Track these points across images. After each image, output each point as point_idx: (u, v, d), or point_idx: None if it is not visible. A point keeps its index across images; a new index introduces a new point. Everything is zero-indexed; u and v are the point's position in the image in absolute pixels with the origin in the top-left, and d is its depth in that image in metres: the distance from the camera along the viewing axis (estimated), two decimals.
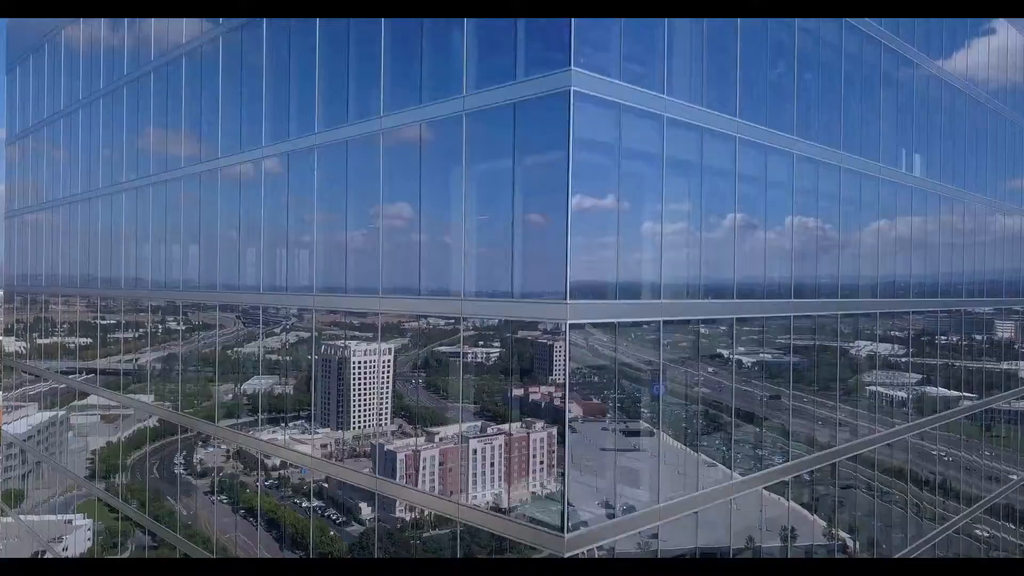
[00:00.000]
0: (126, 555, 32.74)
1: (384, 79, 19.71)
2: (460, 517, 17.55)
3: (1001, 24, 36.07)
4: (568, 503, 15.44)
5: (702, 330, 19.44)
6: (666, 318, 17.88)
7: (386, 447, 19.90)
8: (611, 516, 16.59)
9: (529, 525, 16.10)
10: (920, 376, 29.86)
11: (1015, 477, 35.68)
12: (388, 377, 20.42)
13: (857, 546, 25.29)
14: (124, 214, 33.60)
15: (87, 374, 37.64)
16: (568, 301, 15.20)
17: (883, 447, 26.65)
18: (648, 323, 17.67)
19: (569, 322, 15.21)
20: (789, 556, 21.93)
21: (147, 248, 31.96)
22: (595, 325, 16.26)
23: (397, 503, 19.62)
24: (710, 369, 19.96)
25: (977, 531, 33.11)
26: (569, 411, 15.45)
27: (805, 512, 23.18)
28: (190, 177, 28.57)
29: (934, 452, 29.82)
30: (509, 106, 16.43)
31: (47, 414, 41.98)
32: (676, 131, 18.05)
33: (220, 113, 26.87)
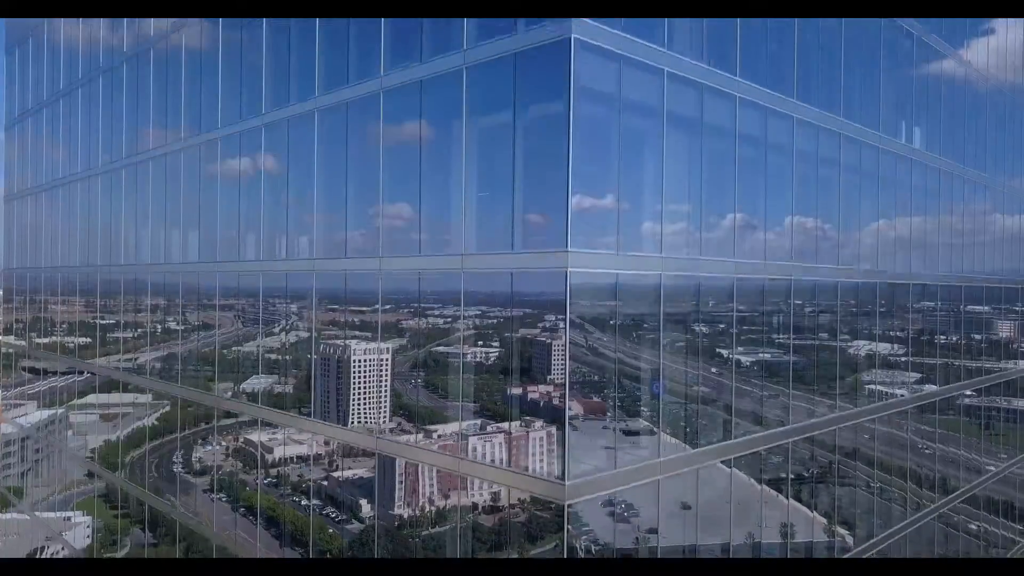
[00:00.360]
0: (126, 550, 32.72)
1: (384, 39, 19.62)
2: (462, 471, 17.58)
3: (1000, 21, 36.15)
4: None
5: (701, 328, 19.45)
6: (667, 272, 17.84)
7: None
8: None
9: (531, 476, 16.19)
10: (920, 375, 29.88)
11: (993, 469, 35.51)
12: (387, 375, 20.42)
13: (853, 540, 25.33)
14: (124, 191, 33.53)
15: (87, 373, 37.63)
16: (569, 250, 15.13)
17: (864, 438, 26.69)
18: (649, 276, 17.58)
19: (570, 270, 15.12)
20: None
21: (147, 224, 31.85)
22: (595, 275, 16.19)
23: (396, 500, 19.64)
24: (713, 369, 19.97)
25: (972, 527, 33.08)
26: (570, 398, 15.44)
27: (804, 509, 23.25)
28: (190, 149, 28.53)
29: (922, 446, 29.78)
30: (510, 58, 16.33)
31: (46, 412, 41.98)
32: (676, 86, 17.97)
33: (220, 81, 26.76)
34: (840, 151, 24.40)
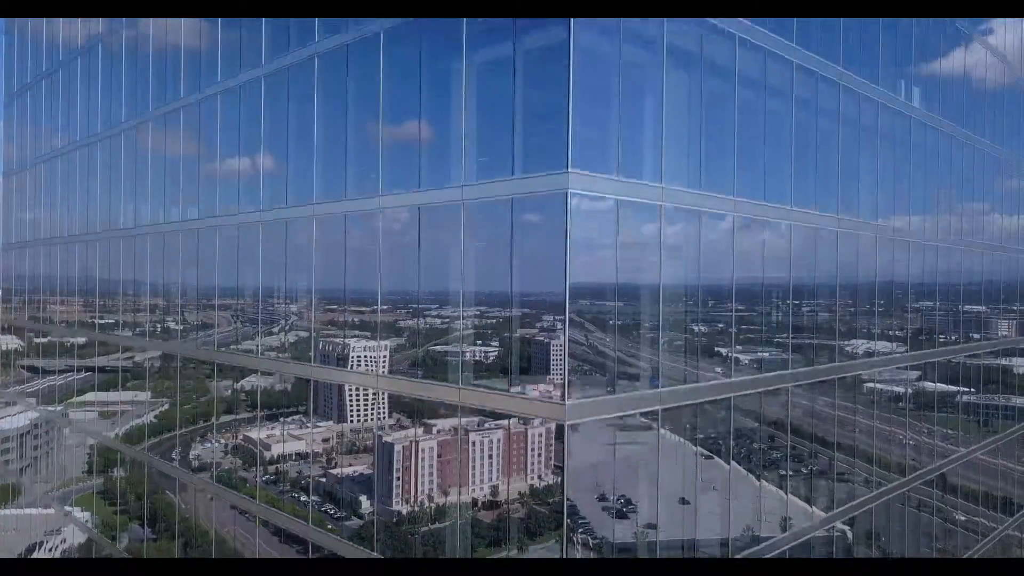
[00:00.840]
0: (124, 543, 32.73)
1: None
2: (462, 401, 17.64)
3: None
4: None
5: (701, 328, 19.49)
6: (667, 203, 17.78)
7: (384, 439, 19.95)
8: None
9: (532, 399, 16.27)
10: (919, 372, 29.94)
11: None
12: (385, 371, 20.47)
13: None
14: (123, 156, 33.43)
15: (85, 372, 37.66)
16: (570, 171, 15.10)
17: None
18: (649, 205, 17.51)
19: (570, 191, 15.10)
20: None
21: (147, 185, 31.76)
22: (595, 199, 16.11)
23: (394, 496, 19.64)
24: (718, 369, 20.00)
25: (959, 517, 32.97)
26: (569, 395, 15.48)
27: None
28: (189, 107, 28.44)
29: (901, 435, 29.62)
30: None
31: (45, 409, 42.03)
32: (674, 23, 17.86)
33: (219, 34, 26.84)
34: (839, 102, 24.24)
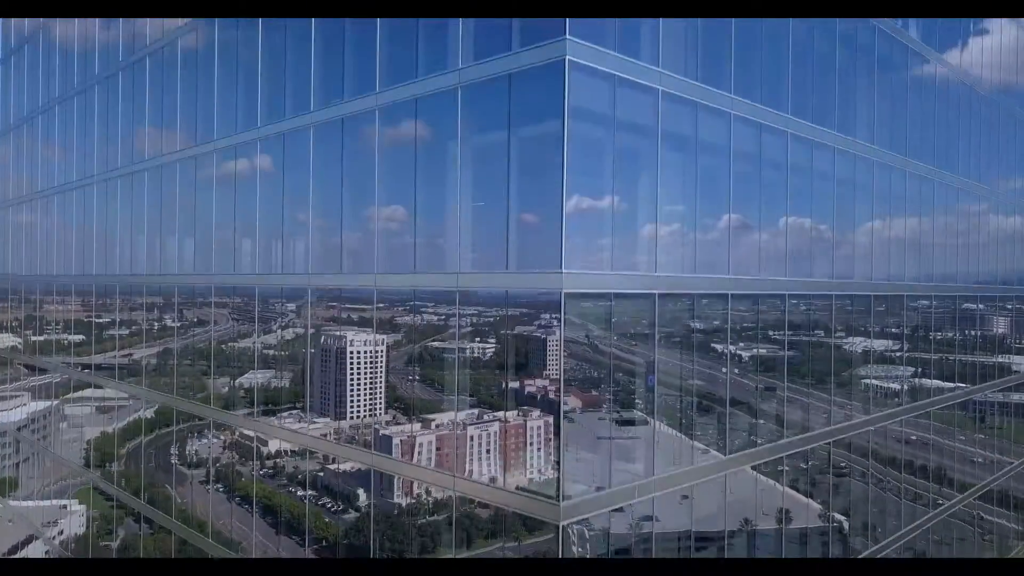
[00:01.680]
0: (121, 537, 32.71)
1: None
2: (460, 286, 17.55)
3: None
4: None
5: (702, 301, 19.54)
6: (664, 88, 17.67)
7: (382, 432, 19.99)
8: None
9: (530, 274, 16.25)
10: (915, 369, 29.97)
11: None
12: (382, 366, 20.52)
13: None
14: (120, 97, 33.22)
15: (82, 370, 37.64)
16: (568, 38, 14.98)
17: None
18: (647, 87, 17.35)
19: (568, 58, 14.98)
20: None
21: (144, 123, 31.58)
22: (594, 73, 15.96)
23: (393, 490, 19.68)
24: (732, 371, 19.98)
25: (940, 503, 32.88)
26: (566, 393, 15.47)
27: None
28: (186, 38, 28.23)
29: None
30: None
31: (42, 404, 41.97)
32: None
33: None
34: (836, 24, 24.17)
